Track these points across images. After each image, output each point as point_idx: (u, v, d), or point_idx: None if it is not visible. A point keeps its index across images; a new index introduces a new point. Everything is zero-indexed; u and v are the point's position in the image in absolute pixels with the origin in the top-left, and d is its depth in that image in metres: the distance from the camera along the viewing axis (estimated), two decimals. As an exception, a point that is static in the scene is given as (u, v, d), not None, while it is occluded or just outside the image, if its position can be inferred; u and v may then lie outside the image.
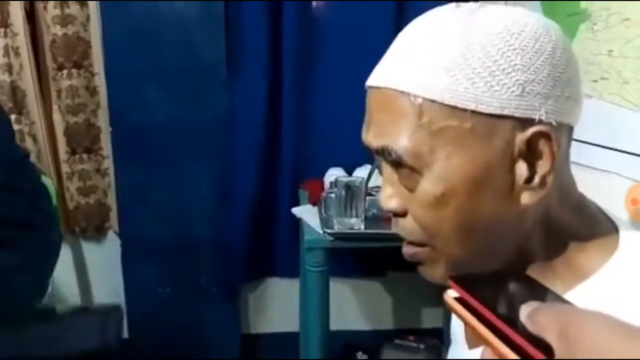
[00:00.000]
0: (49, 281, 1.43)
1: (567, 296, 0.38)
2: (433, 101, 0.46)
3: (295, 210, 1.81)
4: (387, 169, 0.51)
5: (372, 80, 0.51)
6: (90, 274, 2.14)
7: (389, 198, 0.51)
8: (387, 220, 1.63)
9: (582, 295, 0.48)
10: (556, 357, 0.30)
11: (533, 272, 0.52)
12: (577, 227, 0.51)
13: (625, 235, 0.51)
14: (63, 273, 2.04)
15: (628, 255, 0.49)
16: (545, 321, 0.31)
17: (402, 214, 0.51)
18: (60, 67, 1.91)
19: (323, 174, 1.90)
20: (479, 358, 0.57)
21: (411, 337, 1.97)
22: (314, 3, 1.98)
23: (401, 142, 0.48)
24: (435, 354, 1.93)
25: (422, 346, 1.93)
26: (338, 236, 1.53)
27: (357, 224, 1.53)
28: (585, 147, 1.28)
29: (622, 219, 0.54)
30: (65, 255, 2.07)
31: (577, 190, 0.53)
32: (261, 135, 2.00)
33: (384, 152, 0.50)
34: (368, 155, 0.55)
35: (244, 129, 1.98)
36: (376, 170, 1.63)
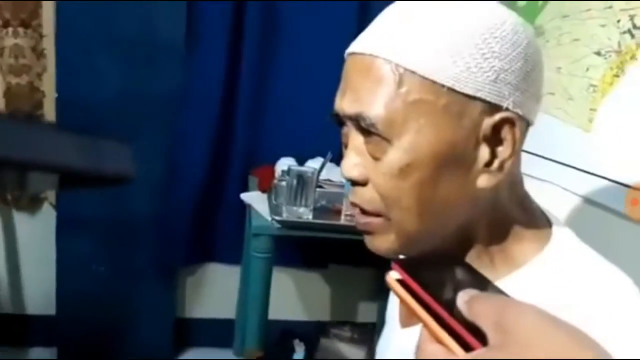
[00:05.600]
0: None
1: (500, 283, 0.40)
2: (414, 72, 0.48)
3: (244, 196, 1.80)
4: (355, 137, 0.52)
5: (356, 46, 0.52)
6: (20, 245, 2.03)
7: (353, 166, 0.52)
8: (336, 212, 1.65)
9: (514, 282, 0.51)
10: (489, 344, 0.31)
11: (472, 257, 0.55)
12: (517, 219, 0.54)
13: (557, 230, 0.55)
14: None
15: (558, 249, 0.53)
16: (481, 309, 0.32)
17: (363, 184, 0.52)
18: (5, 24, 1.80)
19: (274, 163, 1.90)
20: (413, 338, 0.60)
21: (346, 327, 2.10)
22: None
23: (377, 109, 0.49)
24: (367, 342, 2.06)
25: (355, 335, 2.07)
26: (286, 224, 1.53)
27: (305, 214, 1.54)
28: (528, 157, 1.35)
29: (558, 219, 0.58)
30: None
31: (523, 187, 0.57)
32: (215, 117, 1.97)
33: (357, 119, 0.51)
34: (335, 123, 0.55)
35: (197, 108, 1.94)
36: (328, 163, 1.65)
